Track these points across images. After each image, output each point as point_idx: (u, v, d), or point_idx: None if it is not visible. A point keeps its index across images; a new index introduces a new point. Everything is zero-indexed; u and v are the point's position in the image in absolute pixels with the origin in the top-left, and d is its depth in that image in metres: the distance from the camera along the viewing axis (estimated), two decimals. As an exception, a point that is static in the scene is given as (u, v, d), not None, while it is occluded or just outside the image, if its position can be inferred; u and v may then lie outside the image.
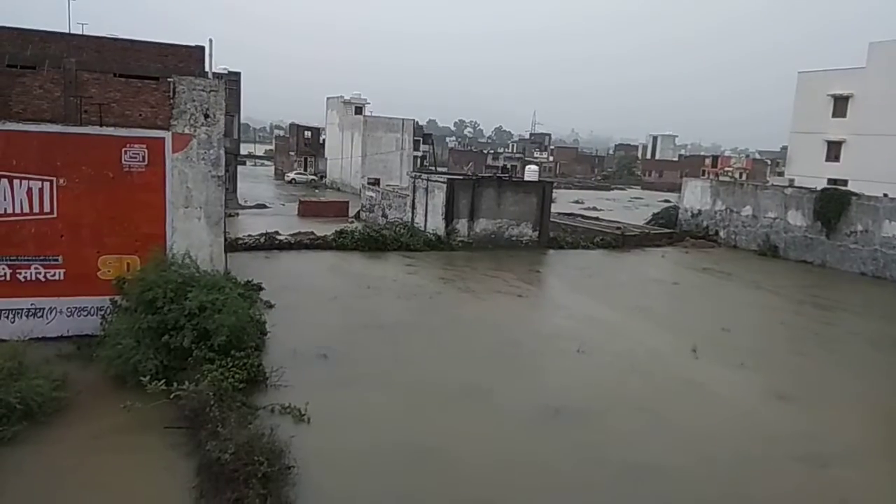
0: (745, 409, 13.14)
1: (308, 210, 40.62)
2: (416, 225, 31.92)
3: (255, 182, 67.10)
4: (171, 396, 10.68)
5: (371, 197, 38.88)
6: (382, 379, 13.33)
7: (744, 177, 79.92)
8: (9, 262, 13.68)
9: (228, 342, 12.27)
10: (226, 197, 16.17)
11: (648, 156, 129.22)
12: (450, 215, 30.28)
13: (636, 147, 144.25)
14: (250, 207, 43.46)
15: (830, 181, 36.71)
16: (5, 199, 13.50)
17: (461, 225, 30.47)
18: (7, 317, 13.73)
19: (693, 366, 15.49)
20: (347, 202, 43.16)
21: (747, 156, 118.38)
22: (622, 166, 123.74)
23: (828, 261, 31.27)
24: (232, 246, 22.21)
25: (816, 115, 40.95)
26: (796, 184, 36.38)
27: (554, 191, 35.91)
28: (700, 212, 37.91)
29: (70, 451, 9.85)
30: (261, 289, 18.66)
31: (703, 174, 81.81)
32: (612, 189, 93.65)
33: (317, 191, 61.66)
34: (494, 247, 30.42)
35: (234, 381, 11.62)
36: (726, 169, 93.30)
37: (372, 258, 26.12)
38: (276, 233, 27.98)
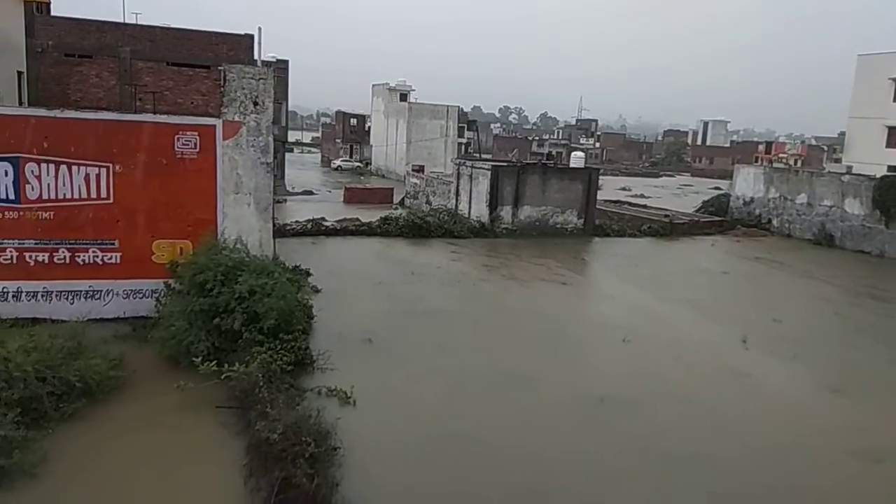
0: (795, 401, 12.82)
1: (353, 197, 41.00)
2: (460, 212, 31.92)
3: (303, 169, 68.04)
4: (222, 377, 10.96)
5: (415, 184, 39.02)
6: (426, 365, 13.43)
7: (799, 164, 77.43)
8: (68, 246, 14.21)
9: (277, 326, 12.52)
10: (274, 183, 16.45)
11: (699, 142, 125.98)
12: (494, 202, 30.18)
13: (686, 133, 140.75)
14: (297, 194, 44.10)
15: (891, 168, 35.24)
16: (64, 185, 14.01)
17: (505, 212, 30.34)
18: (67, 298, 14.29)
19: (742, 356, 15.15)
20: (392, 189, 43.41)
21: (802, 142, 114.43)
22: (671, 153, 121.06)
23: (886, 251, 30.10)
24: (280, 232, 22.60)
25: (877, 99, 39.31)
26: (854, 171, 35.02)
27: (600, 178, 35.41)
28: (752, 200, 36.89)
29: (126, 428, 10.23)
30: (308, 274, 18.96)
31: (756, 161, 79.49)
32: (661, 176, 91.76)
33: (362, 178, 62.17)
34: (539, 234, 30.22)
35: (282, 364, 11.88)
36: (780, 155, 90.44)
37: (416, 245, 26.25)
38: (323, 219, 28.34)
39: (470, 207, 31.48)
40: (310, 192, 45.66)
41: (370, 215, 29.79)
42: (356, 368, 12.74)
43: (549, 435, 10.85)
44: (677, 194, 59.72)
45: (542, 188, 30.85)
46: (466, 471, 9.62)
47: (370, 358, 13.61)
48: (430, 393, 12.11)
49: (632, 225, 33.45)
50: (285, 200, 38.74)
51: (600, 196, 35.54)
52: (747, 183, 37.38)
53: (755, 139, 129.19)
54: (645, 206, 41.31)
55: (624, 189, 58.94)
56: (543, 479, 9.54)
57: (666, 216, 35.29)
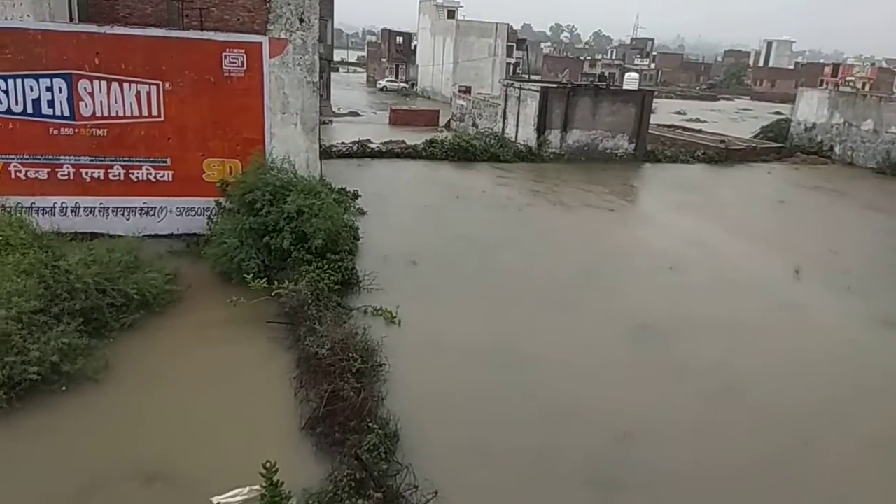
0: (848, 335, 12.54)
1: (399, 118, 40.59)
2: (506, 135, 31.35)
3: (348, 89, 67.44)
4: (273, 294, 11.25)
5: (462, 106, 38.31)
6: (470, 288, 13.53)
7: (867, 87, 72.93)
8: (122, 163, 14.52)
9: (324, 245, 12.71)
10: (320, 104, 16.33)
11: (761, 63, 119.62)
12: (542, 126, 29.48)
13: (747, 54, 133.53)
14: (343, 115, 43.87)
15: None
16: (116, 102, 14.17)
17: (553, 136, 29.65)
18: (123, 214, 14.73)
19: (794, 288, 14.82)
20: (438, 111, 42.76)
21: (873, 64, 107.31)
22: (731, 75, 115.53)
23: (958, 182, 28.60)
24: (326, 153, 22.64)
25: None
26: (930, 96, 32.92)
27: (654, 101, 34.09)
28: (814, 125, 35.16)
29: (182, 339, 10.70)
30: (356, 196, 19.06)
31: (822, 84, 75.22)
32: (719, 99, 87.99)
33: (408, 99, 61.35)
34: (587, 159, 29.55)
35: (329, 283, 12.13)
36: (848, 79, 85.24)
37: (461, 168, 26.03)
38: (368, 141, 28.24)
39: (517, 131, 30.85)
40: (355, 114, 45.37)
41: (416, 137, 29.53)
42: (401, 289, 12.92)
43: (591, 358, 10.93)
44: (735, 119, 57.36)
45: (592, 111, 29.94)
46: (508, 388, 9.79)
47: (415, 280, 13.77)
48: (473, 315, 12.25)
49: (685, 151, 32.40)
50: (331, 121, 38.63)
51: (653, 120, 34.31)
52: (810, 107, 35.55)
53: (822, 61, 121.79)
54: (700, 131, 39.86)
55: (679, 113, 56.85)
56: (584, 399, 9.66)
57: (722, 141, 34.01)
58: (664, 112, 52.27)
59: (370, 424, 8.16)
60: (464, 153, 27.35)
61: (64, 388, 8.95)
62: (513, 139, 30.62)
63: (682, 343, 11.68)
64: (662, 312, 12.86)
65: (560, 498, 7.59)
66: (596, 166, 28.36)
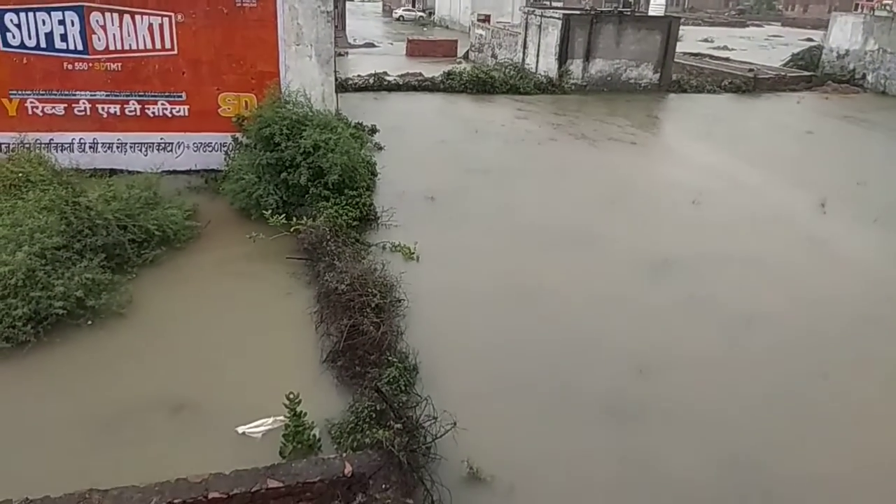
0: (873, 269, 12.34)
1: (416, 49, 39.65)
2: (526, 66, 30.52)
3: (364, 19, 65.79)
4: (291, 230, 11.29)
5: (480, 35, 37.24)
6: (489, 222, 13.45)
7: (906, 12, 69.43)
8: (138, 98, 14.39)
9: (341, 181, 12.63)
10: (335, 35, 15.91)
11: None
12: (563, 55, 28.61)
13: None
14: (359, 46, 42.93)
15: None
16: (129, 35, 13.93)
17: (575, 66, 28.80)
18: (140, 150, 14.70)
19: (819, 221, 14.54)
20: (456, 41, 41.67)
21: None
22: (761, 0, 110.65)
23: None
24: (342, 86, 22.27)
25: None
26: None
27: (681, 28, 32.79)
28: (847, 52, 33.74)
29: (203, 274, 10.83)
30: (374, 131, 18.81)
31: (856, 9, 71.83)
32: (748, 26, 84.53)
33: (425, 29, 59.76)
34: (610, 90, 28.77)
35: (347, 219, 12.12)
36: (885, 2, 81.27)
37: (480, 101, 25.50)
38: (385, 73, 27.66)
39: (537, 61, 30.01)
40: (371, 45, 44.37)
41: (433, 69, 28.87)
42: (419, 225, 12.89)
43: (611, 291, 10.91)
44: (764, 46, 55.23)
45: (616, 39, 28.93)
46: (527, 320, 9.86)
47: (433, 215, 13.71)
48: (492, 250, 12.22)
49: (712, 80, 31.39)
50: (346, 53, 37.85)
51: (679, 48, 33.12)
52: (843, 34, 34.02)
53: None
54: (727, 60, 38.52)
55: (706, 41, 54.84)
56: (604, 330, 9.71)
57: (750, 70, 32.86)
58: (690, 40, 50.46)
59: (390, 358, 8.28)
60: (482, 85, 26.74)
61: (90, 322, 9.15)
62: (533, 70, 29.83)
63: (704, 278, 11.59)
64: (684, 247, 12.72)
65: (577, 427, 7.71)
66: (619, 98, 27.63)
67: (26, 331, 8.54)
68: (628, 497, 6.80)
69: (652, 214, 14.53)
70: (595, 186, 16.11)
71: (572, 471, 7.06)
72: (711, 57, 39.75)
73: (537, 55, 30.05)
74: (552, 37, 28.93)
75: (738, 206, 15.18)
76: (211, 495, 5.99)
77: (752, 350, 9.50)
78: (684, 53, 36.98)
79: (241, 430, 7.27)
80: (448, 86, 26.67)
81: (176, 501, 5.90)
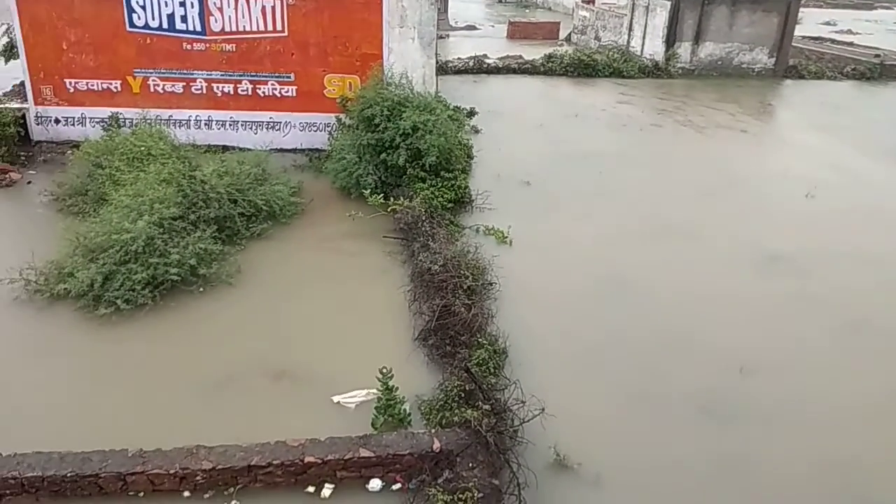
0: None
1: (517, 32, 39.18)
2: (631, 49, 29.55)
3: (465, 1, 65.59)
4: (389, 210, 11.55)
5: (584, 17, 36.33)
6: (585, 210, 13.23)
7: None
8: (250, 78, 15.08)
9: (438, 163, 12.78)
10: (437, 17, 16.00)
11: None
12: (671, 38, 27.46)
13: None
14: (460, 29, 42.93)
15: None
16: (243, 17, 14.58)
17: (683, 49, 27.59)
18: (251, 128, 15.42)
19: (950, 222, 13.37)
20: (558, 23, 40.83)
21: None
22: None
23: None
24: (442, 69, 22.35)
25: None
26: None
27: (800, 9, 30.72)
28: None
29: (306, 249, 11.28)
30: (473, 114, 18.86)
31: None
32: (876, 8, 78.05)
33: (527, 11, 58.92)
34: (720, 75, 27.41)
35: (443, 201, 12.27)
36: None
37: (581, 85, 24.96)
38: (485, 56, 27.53)
39: (643, 44, 28.97)
40: (472, 27, 44.23)
41: (534, 52, 28.47)
42: (513, 209, 12.84)
43: (710, 286, 10.51)
44: (894, 30, 50.90)
45: (729, 21, 27.47)
46: (619, 311, 9.67)
47: (528, 200, 13.62)
48: (586, 237, 12.03)
49: (832, 66, 29.28)
50: (448, 36, 37.92)
51: (798, 31, 31.06)
52: None
53: None
54: (851, 45, 35.77)
55: (828, 24, 51.08)
56: (700, 325, 9.39)
57: (876, 56, 30.37)
58: (810, 23, 47.15)
59: (480, 340, 8.36)
60: (584, 68, 26.10)
61: (201, 289, 9.76)
62: (638, 53, 28.83)
63: (814, 276, 10.95)
64: (794, 242, 12.05)
65: (669, 424, 7.53)
66: (729, 83, 26.29)
67: (144, 294, 9.22)
68: (717, 500, 6.58)
69: (761, 207, 13.82)
70: (700, 176, 15.48)
71: (661, 468, 6.91)
72: (833, 41, 37.03)
73: (643, 38, 29.01)
74: (660, 18, 27.82)
75: (856, 202, 14.18)
76: (307, 459, 6.31)
77: (860, 355, 8.93)
78: (803, 37, 34.62)
79: (336, 399, 7.58)
80: (548, 69, 26.23)
81: (275, 462, 6.26)
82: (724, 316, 9.71)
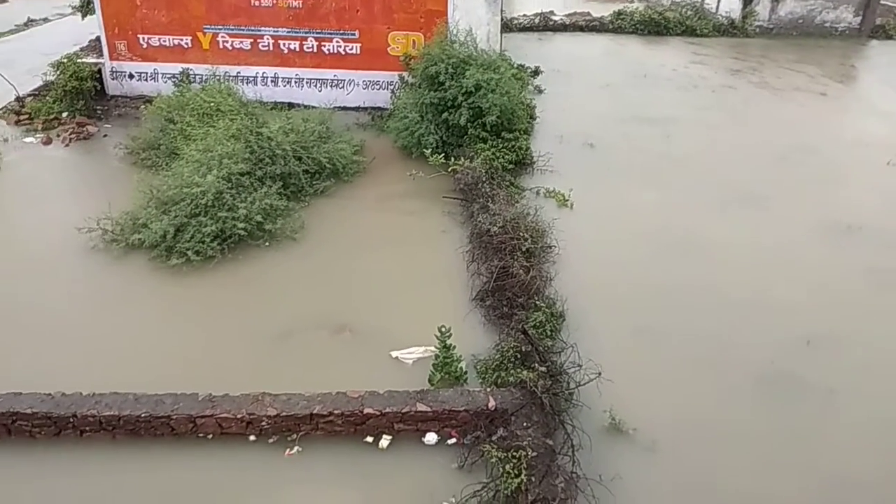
0: None
1: (586, -12, 37.94)
2: (706, 6, 28.24)
3: (533, -44, 63.75)
4: (449, 170, 11.54)
5: (657, -28, 34.82)
6: (650, 174, 12.89)
7: None
8: (315, 35, 15.14)
9: (499, 123, 12.64)
10: (504, -28, 15.68)
11: None
12: (749, -6, 26.10)
13: None
14: (526, -16, 41.85)
15: None
16: (309, -26, 14.61)
17: (762, 7, 26.17)
18: (315, 86, 15.55)
19: None
20: (630, -21, 39.33)
21: None
22: None
23: None
24: (507, 26, 21.94)
25: None
26: None
27: (894, -37, 28.62)
28: None
29: (367, 208, 11.42)
30: (537, 73, 18.49)
31: None
32: (981, -39, 71.99)
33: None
34: (800, 34, 25.94)
35: (503, 162, 12.16)
36: None
37: (651, 43, 24.08)
38: (551, 13, 26.81)
39: (719, 1, 27.63)
40: (539, -17, 43.07)
41: (602, 9, 27.54)
42: (575, 172, 12.64)
43: (779, 254, 10.17)
44: None
45: (813, -24, 25.87)
46: (684, 280, 9.46)
47: (590, 163, 13.36)
48: (651, 202, 11.75)
49: (926, 25, 27.30)
50: (513, -8, 37.03)
51: (890, -13, 29.01)
52: None
53: None
54: (950, 1, 33.20)
55: (924, -22, 47.51)
56: (767, 294, 9.13)
57: (978, 14, 28.17)
58: (906, -23, 43.91)
59: (537, 302, 8.36)
60: (655, 26, 25.16)
61: (267, 243, 10.05)
62: (713, 11, 27.53)
63: (892, 248, 10.44)
64: (871, 213, 11.48)
65: (728, 393, 7.40)
66: (810, 43, 24.89)
67: (213, 247, 9.55)
68: (774, 476, 6.48)
69: (838, 174, 13.18)
70: (774, 140, 14.83)
71: (718, 438, 6.83)
72: (930, -3, 34.43)
73: (719, -6, 27.66)
74: (738, -26, 26.41)
75: (944, 171, 13.37)
76: (366, 410, 6.51)
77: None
78: (896, -7, 32.33)
79: (394, 354, 7.75)
80: (617, 26, 25.41)
81: (336, 412, 6.49)
82: (793, 287, 9.39)
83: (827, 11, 26.28)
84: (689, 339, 8.23)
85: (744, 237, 10.66)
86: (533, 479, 5.80)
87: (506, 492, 5.82)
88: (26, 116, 14.76)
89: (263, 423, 6.53)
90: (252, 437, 6.59)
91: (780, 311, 8.84)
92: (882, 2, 27.30)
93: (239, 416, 6.50)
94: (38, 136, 14.05)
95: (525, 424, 6.40)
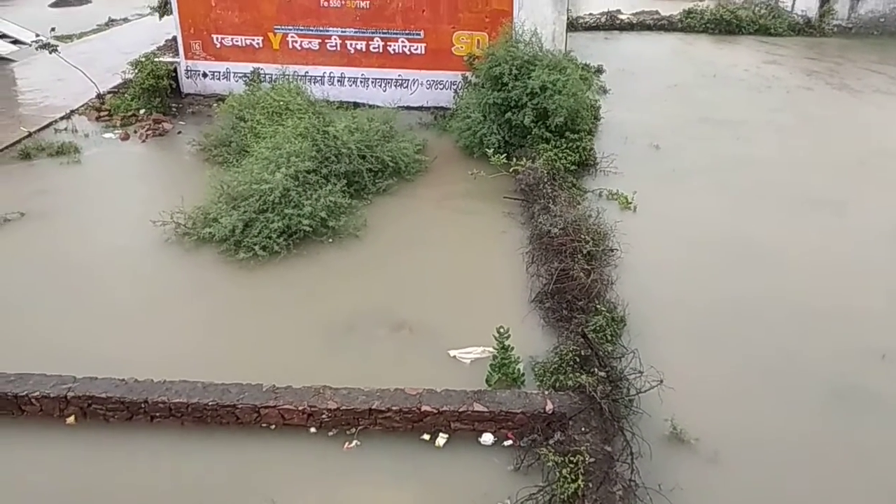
0: None
1: (655, -14, 37.16)
2: (781, 4, 27.23)
3: (600, -46, 62.81)
4: (511, 170, 11.51)
5: (730, -31, 33.77)
6: (717, 178, 12.54)
7: None
8: (381, 35, 15.34)
9: (564, 124, 12.53)
10: (572, -30, 15.53)
11: None
12: (828, -9, 25.03)
13: None
14: (593, -17, 41.29)
15: None
16: (376, -26, 14.82)
17: (840, 5, 25.03)
18: (380, 86, 15.76)
19: None
20: (701, -24, 38.29)
21: None
22: None
23: None
24: (572, 25, 21.70)
25: None
26: None
27: None
28: None
29: (429, 206, 11.50)
30: (600, 72, 18.24)
31: None
32: None
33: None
34: (882, 34, 24.70)
35: (566, 163, 12.05)
36: None
37: (722, 42, 23.39)
38: (618, 11, 26.37)
39: (795, -1, 26.62)
40: (606, -19, 42.41)
41: (671, 7, 26.90)
42: (640, 174, 12.40)
43: (854, 264, 9.75)
44: None
45: (899, -28, 24.61)
46: (749, 284, 9.19)
47: (656, 165, 13.09)
48: (717, 207, 11.44)
49: None
50: (580, -10, 36.59)
51: (984, -17, 27.29)
52: None
53: None
54: None
55: None
56: (836, 301, 8.79)
57: None
58: None
59: (598, 306, 8.25)
60: (726, 25, 24.41)
61: (330, 240, 10.26)
62: (788, 9, 26.50)
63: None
64: (956, 222, 10.88)
65: (796, 406, 7.14)
66: (893, 43, 23.68)
67: (279, 243, 9.81)
68: (840, 493, 6.21)
69: (920, 181, 12.53)
70: (851, 145, 14.19)
71: (783, 452, 6.59)
72: None
73: (795, -9, 26.63)
74: (817, -30, 25.37)
75: None
76: (423, 408, 6.58)
77: None
78: None
79: (452, 353, 7.80)
80: (687, 25, 24.78)
81: (394, 408, 6.59)
82: (866, 297, 8.98)
83: (913, 9, 24.96)
84: (756, 349, 7.98)
85: (816, 244, 10.26)
86: (590, 485, 5.74)
87: (562, 497, 5.78)
88: (106, 113, 15.51)
89: (324, 416, 6.68)
90: (313, 429, 6.75)
91: (854, 321, 8.48)
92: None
93: (300, 407, 6.67)
94: (116, 131, 14.73)
95: (583, 429, 6.34)
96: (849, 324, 8.45)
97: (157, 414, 6.85)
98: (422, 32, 15.16)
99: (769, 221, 10.95)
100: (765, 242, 10.27)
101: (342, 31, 15.38)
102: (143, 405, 6.80)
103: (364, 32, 15.32)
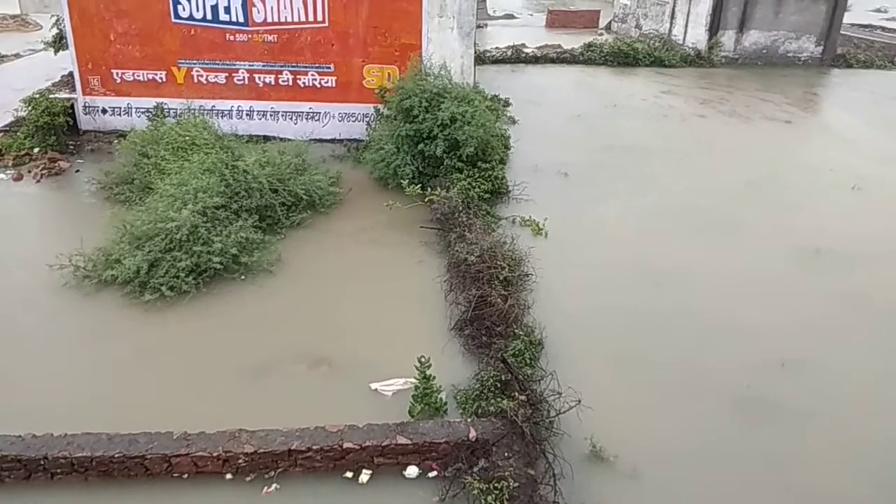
0: None
1: (556, 21, 38.77)
2: (673, 37, 29.03)
3: (504, -10, 65.04)
4: (426, 200, 11.60)
5: (625, 5, 35.74)
6: (622, 202, 13.10)
7: None
8: (290, 69, 15.24)
9: (475, 154, 12.78)
10: (476, 6, 15.96)
11: None
12: (715, 26, 26.88)
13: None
14: (498, 18, 42.65)
15: None
16: (285, 8, 14.73)
17: (727, 38, 26.99)
18: (291, 119, 15.61)
19: None
20: (598, 11, 40.27)
21: None
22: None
23: None
24: (480, 58, 22.29)
25: None
26: None
27: (851, -4, 29.73)
28: None
29: (344, 239, 11.40)
30: (507, 104, 18.78)
31: None
32: (932, -7, 75.07)
33: (566, -1, 58.22)
34: (764, 64, 26.78)
35: (479, 191, 12.29)
36: None
37: (621, 74, 24.64)
38: (523, 45, 27.37)
39: (685, 32, 28.41)
40: (511, 16, 43.90)
41: (573, 41, 28.20)
42: (550, 201, 12.79)
43: (751, 279, 10.34)
44: (951, 17, 48.85)
45: (775, 8, 26.75)
46: (658, 304, 9.58)
47: (565, 191, 13.54)
48: (624, 230, 11.92)
49: (883, 55, 28.36)
50: (486, 25, 37.69)
51: (846, 19, 30.08)
52: None
53: None
54: (904, 32, 34.52)
55: (878, 10, 49.35)
56: (739, 319, 9.25)
57: (932, 44, 29.32)
58: (860, 10, 45.53)
59: (516, 331, 8.38)
60: (624, 58, 25.77)
61: (243, 277, 9.97)
62: (680, 42, 28.31)
63: (860, 270, 10.68)
64: (839, 236, 11.75)
65: (706, 418, 7.45)
66: (774, 72, 25.66)
67: (188, 281, 9.45)
68: (754, 500, 6.49)
69: (804, 199, 13.51)
70: (742, 167, 15.18)
71: (698, 463, 6.85)
72: (884, 29, 35.80)
73: (686, 25, 28.45)
74: (703, 6, 27.24)
75: (906, 195, 13.77)
76: (345, 444, 6.43)
77: (910, 354, 8.69)
78: (851, 25, 33.57)
79: (374, 386, 7.69)
80: (588, 58, 25.98)
81: (314, 447, 6.39)
82: (765, 310, 9.54)
83: (790, 42, 27.18)
84: (667, 365, 8.29)
85: (716, 262, 10.84)
86: (515, 510, 5.75)
87: (488, 524, 5.76)
88: (-4, 152, 14.60)
89: (240, 461, 6.41)
90: (229, 476, 6.46)
91: (754, 335, 8.96)
92: (842, 32, 28.30)
93: (215, 454, 6.37)
94: (8, 172, 13.88)
95: (506, 454, 6.36)
96: (749, 337, 8.91)
97: (59, 470, 6.36)
98: (332, 66, 15.17)
99: (674, 243, 11.49)
100: (670, 262, 10.75)
101: (250, 65, 15.18)
102: (42, 462, 6.30)
103: (273, 66, 15.18)
